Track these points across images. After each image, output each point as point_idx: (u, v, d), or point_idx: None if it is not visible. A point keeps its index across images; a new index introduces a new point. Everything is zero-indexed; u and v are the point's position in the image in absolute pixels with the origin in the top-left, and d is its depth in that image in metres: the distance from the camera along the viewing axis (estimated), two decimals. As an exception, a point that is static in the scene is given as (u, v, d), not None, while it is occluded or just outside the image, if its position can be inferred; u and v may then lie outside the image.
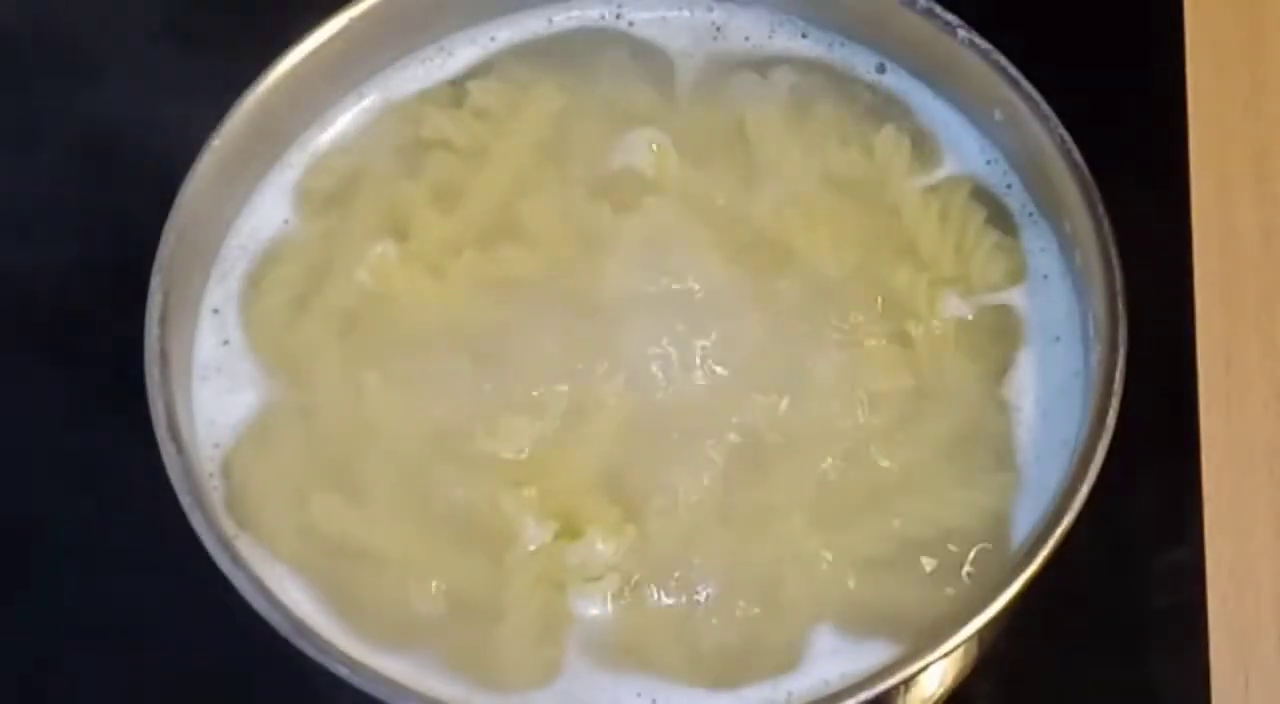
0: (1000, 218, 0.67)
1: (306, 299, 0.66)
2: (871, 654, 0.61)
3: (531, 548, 0.62)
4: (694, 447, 0.63)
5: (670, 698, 0.61)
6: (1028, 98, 0.64)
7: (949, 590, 0.62)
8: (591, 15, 0.70)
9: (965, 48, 0.65)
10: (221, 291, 0.66)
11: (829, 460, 0.63)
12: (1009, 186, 0.67)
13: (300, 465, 0.63)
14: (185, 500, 0.60)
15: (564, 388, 0.64)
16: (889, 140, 0.67)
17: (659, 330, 0.65)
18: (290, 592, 0.61)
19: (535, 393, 0.64)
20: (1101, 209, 0.63)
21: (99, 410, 0.72)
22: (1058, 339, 0.65)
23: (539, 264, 0.66)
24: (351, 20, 0.67)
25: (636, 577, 0.62)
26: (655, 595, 0.62)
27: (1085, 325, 0.64)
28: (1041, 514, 0.61)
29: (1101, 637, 0.70)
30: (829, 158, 0.67)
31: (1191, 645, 0.69)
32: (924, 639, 0.60)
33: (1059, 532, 0.59)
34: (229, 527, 0.62)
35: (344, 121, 0.68)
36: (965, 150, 0.67)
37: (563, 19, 0.70)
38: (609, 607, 0.62)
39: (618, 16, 0.69)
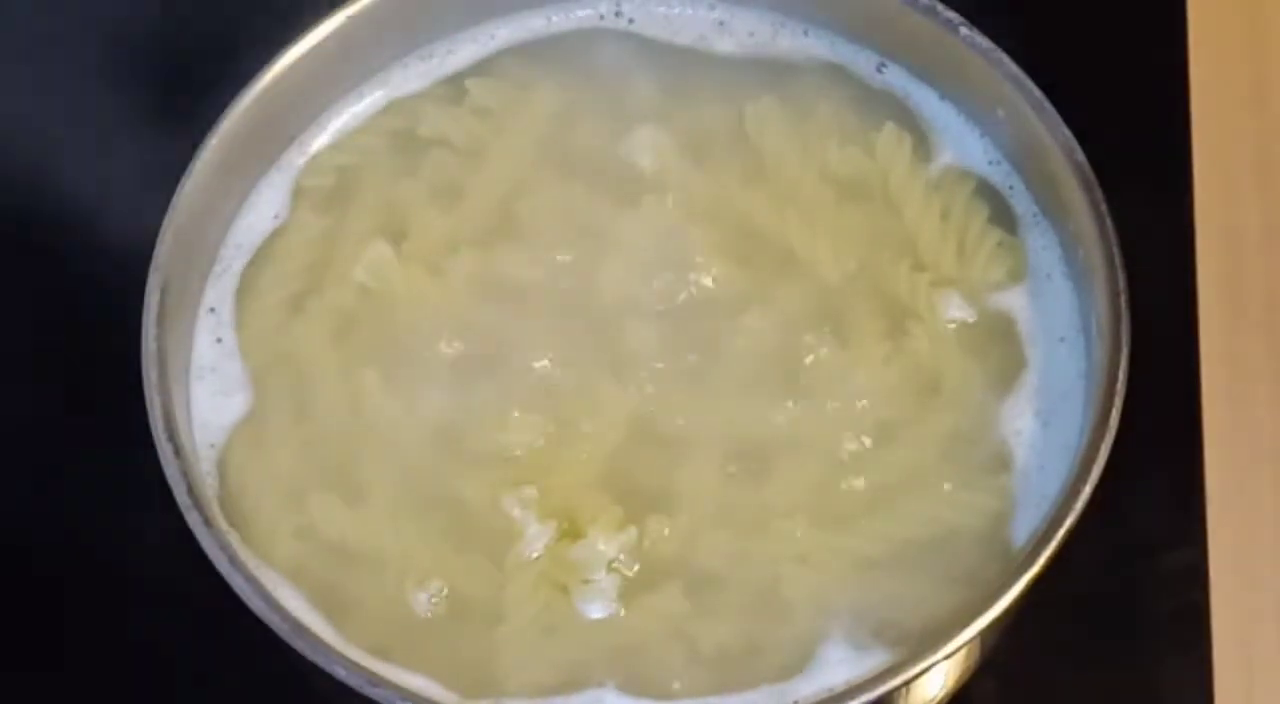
0: (1002, 217, 0.66)
1: (304, 298, 0.66)
2: (873, 656, 0.61)
3: (533, 548, 0.62)
4: (695, 446, 0.63)
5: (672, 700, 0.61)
6: (1030, 96, 0.64)
7: (951, 591, 0.61)
8: (591, 13, 0.69)
9: (967, 46, 0.65)
10: (218, 291, 0.66)
11: (830, 461, 0.63)
12: (1011, 186, 0.67)
13: (297, 466, 0.63)
14: (182, 501, 0.60)
15: (564, 387, 0.64)
16: (890, 139, 0.67)
17: (659, 329, 0.65)
18: (287, 593, 0.61)
19: (535, 392, 0.64)
20: (1104, 208, 0.63)
21: (97, 410, 0.72)
22: (1062, 340, 0.64)
23: (538, 263, 0.65)
24: (350, 19, 0.66)
25: (638, 577, 0.62)
26: (657, 596, 0.61)
27: (1088, 325, 0.64)
28: (1044, 515, 0.60)
29: (1104, 638, 0.70)
30: (830, 157, 0.67)
31: (1195, 646, 0.69)
32: (926, 641, 0.59)
33: (1062, 532, 0.59)
34: (225, 527, 0.61)
35: (343, 120, 0.68)
36: (967, 149, 0.67)
37: (563, 17, 0.70)
38: (611, 607, 0.61)
39: (617, 14, 0.69)
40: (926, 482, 0.63)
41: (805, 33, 0.69)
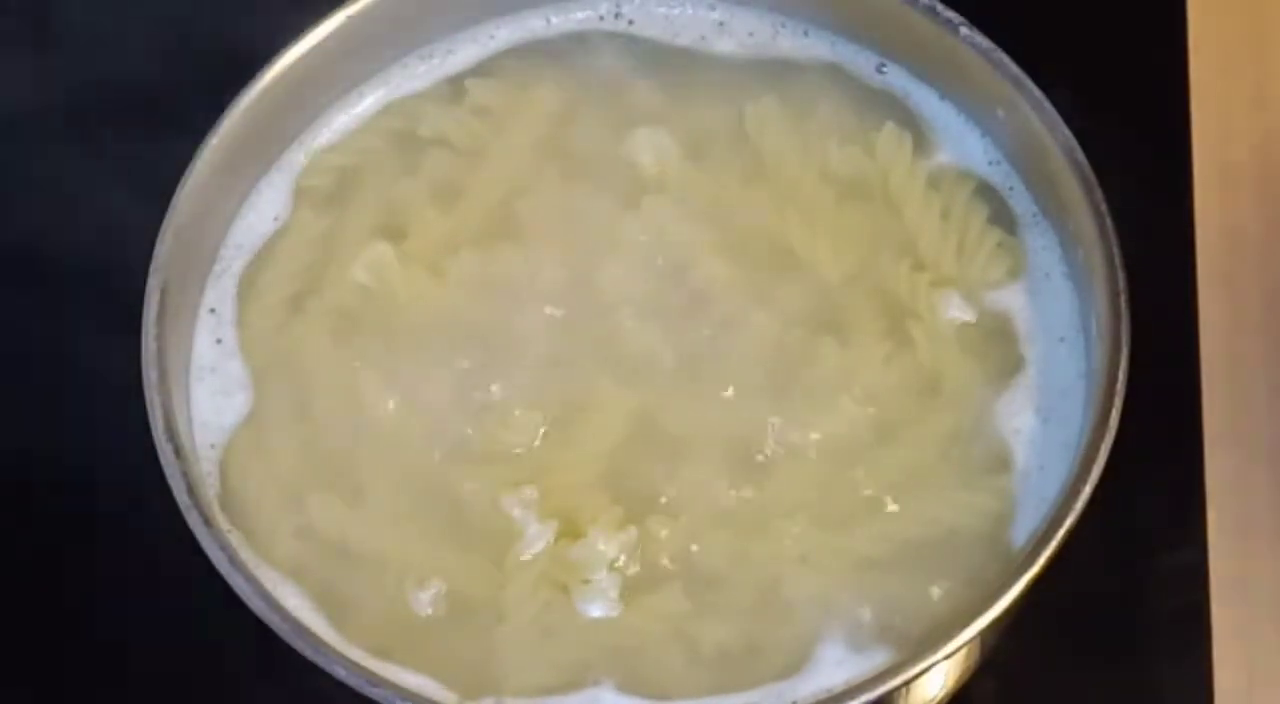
0: (1002, 217, 0.66)
1: (304, 298, 0.65)
2: (873, 656, 0.61)
3: (532, 548, 0.62)
4: (695, 446, 0.63)
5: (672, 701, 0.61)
6: (1030, 96, 0.64)
7: (951, 592, 0.61)
8: (591, 14, 0.69)
9: (967, 46, 0.65)
10: (218, 291, 0.66)
11: (830, 461, 0.63)
12: (1011, 186, 0.67)
13: (297, 466, 0.63)
14: (182, 501, 0.60)
15: (564, 387, 0.64)
16: (891, 138, 0.67)
17: (659, 329, 0.64)
18: (287, 593, 0.61)
19: (535, 392, 0.64)
20: (1104, 207, 0.63)
21: (97, 410, 0.72)
22: (1061, 339, 0.64)
23: (538, 263, 0.65)
24: (350, 18, 0.66)
25: (638, 577, 0.62)
26: (657, 596, 0.61)
27: (1088, 325, 0.64)
28: (1043, 515, 0.60)
29: (1104, 639, 0.70)
30: (830, 156, 0.67)
31: (1194, 647, 0.69)
32: (926, 641, 0.59)
33: (1061, 533, 0.59)
34: (225, 527, 0.61)
35: (342, 120, 0.68)
36: (967, 149, 0.67)
37: (563, 17, 0.69)
38: (610, 607, 0.61)
39: (617, 15, 0.69)
40: (926, 482, 0.63)
41: (805, 33, 0.69)
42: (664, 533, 0.62)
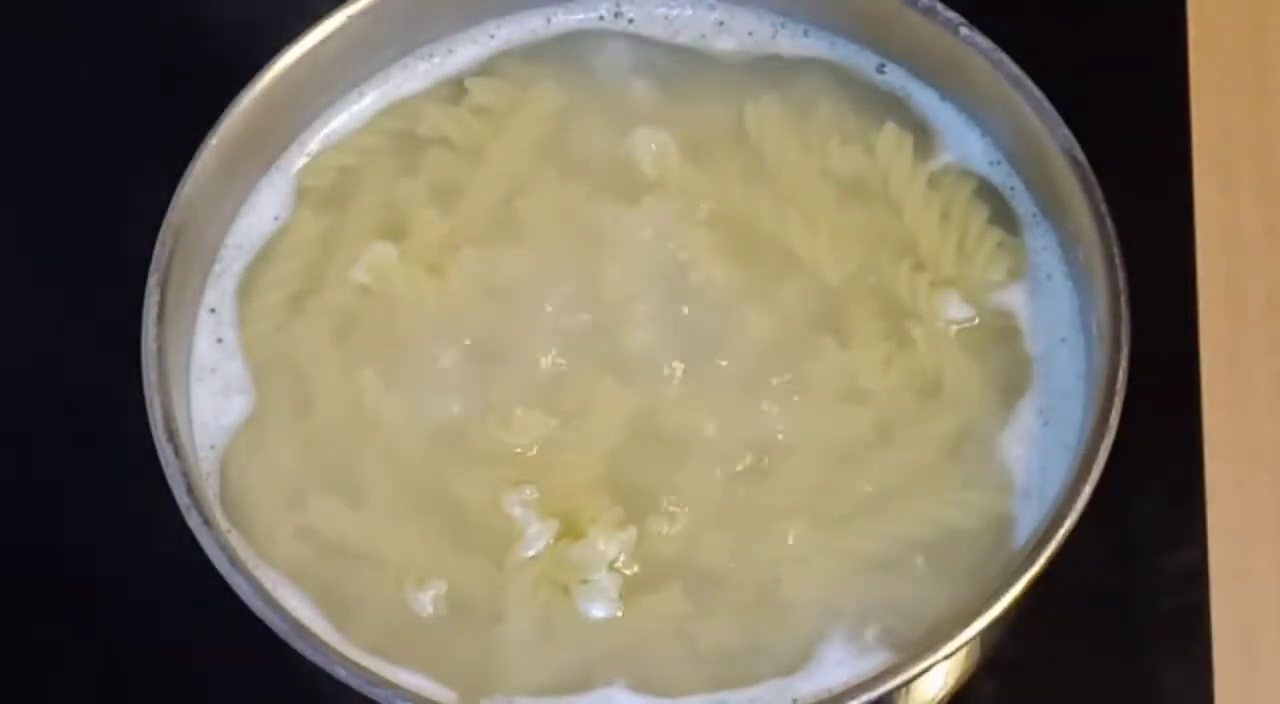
0: (1003, 217, 0.66)
1: (304, 298, 0.65)
2: (873, 656, 0.61)
3: (532, 548, 0.62)
4: (695, 447, 0.63)
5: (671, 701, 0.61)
6: (1030, 96, 0.64)
7: (951, 591, 0.61)
8: (591, 14, 0.69)
9: (967, 46, 0.65)
10: (218, 291, 0.66)
11: (830, 461, 0.63)
12: (1011, 186, 0.67)
13: (297, 466, 0.63)
14: (182, 502, 0.60)
15: (564, 387, 0.64)
16: (891, 138, 0.67)
17: (659, 329, 0.64)
18: (287, 593, 0.61)
19: (535, 392, 0.64)
20: (1104, 208, 0.63)
21: (97, 411, 0.72)
22: (1062, 340, 0.64)
23: (538, 263, 0.65)
24: (350, 18, 0.66)
25: (638, 577, 0.62)
26: (656, 596, 0.61)
27: (1088, 325, 0.64)
28: (1044, 515, 0.60)
29: (1104, 639, 0.70)
30: (830, 156, 0.67)
31: (1195, 647, 0.69)
32: (926, 641, 0.59)
33: (1062, 532, 0.59)
34: (225, 527, 0.61)
35: (342, 120, 0.68)
36: (968, 149, 0.67)
37: (562, 17, 0.69)
38: (610, 607, 0.61)
39: (617, 15, 0.69)
40: (927, 482, 0.63)
41: (805, 33, 0.69)
42: (664, 533, 0.62)
